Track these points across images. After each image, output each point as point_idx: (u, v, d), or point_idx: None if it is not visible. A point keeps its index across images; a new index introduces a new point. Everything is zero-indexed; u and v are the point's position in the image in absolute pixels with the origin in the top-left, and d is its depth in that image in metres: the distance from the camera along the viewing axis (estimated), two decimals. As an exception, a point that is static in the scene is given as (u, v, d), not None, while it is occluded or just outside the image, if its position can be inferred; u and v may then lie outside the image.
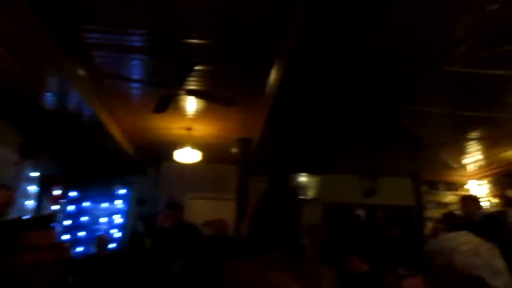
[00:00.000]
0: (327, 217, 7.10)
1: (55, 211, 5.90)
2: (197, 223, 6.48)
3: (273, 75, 3.76)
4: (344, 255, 3.04)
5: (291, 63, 3.18)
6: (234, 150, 5.86)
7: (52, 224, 1.33)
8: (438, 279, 1.28)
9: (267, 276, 1.04)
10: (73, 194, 6.48)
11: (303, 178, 6.76)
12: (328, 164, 6.77)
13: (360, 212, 7.69)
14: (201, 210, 6.99)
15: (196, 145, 5.48)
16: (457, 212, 4.54)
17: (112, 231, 6.34)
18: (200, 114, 4.86)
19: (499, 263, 1.20)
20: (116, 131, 5.24)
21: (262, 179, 6.60)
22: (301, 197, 6.72)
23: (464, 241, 1.25)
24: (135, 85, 4.06)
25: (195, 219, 6.66)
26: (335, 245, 3.29)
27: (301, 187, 6.72)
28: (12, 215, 3.79)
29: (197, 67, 3.49)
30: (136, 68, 3.77)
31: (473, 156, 6.13)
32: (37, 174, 5.64)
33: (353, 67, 3.36)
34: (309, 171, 6.71)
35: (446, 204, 7.33)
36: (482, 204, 5.90)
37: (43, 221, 1.33)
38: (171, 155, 5.51)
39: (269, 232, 1.15)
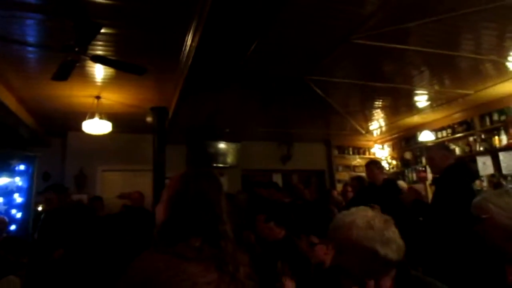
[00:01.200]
0: (246, 184, 7.27)
1: None
2: (112, 196, 6.22)
3: (188, 42, 3.57)
4: (262, 222, 3.14)
5: (206, 30, 3.04)
6: (149, 119, 5.58)
7: None
8: (340, 251, 1.40)
9: (180, 268, 0.99)
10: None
11: (221, 145, 6.75)
12: (245, 132, 6.83)
13: (277, 177, 8.01)
14: (116, 183, 6.65)
15: (107, 114, 5.10)
16: (364, 176, 4.92)
17: (12, 211, 5.72)
18: (110, 82, 4.47)
19: (391, 233, 1.36)
20: (10, 100, 4.64)
21: (179, 147, 6.45)
22: (220, 164, 6.73)
23: (361, 216, 1.39)
24: (30, 49, 3.57)
25: (110, 193, 6.35)
26: (253, 212, 3.38)
27: (220, 155, 6.72)
28: None
29: (103, 31, 3.15)
30: (31, 29, 3.30)
31: (378, 123, 6.67)
32: None
33: (267, 37, 3.34)
34: (228, 139, 6.71)
35: (354, 167, 7.94)
36: (384, 166, 6.51)
37: None
38: (79, 126, 5.06)
39: (188, 218, 1.10)
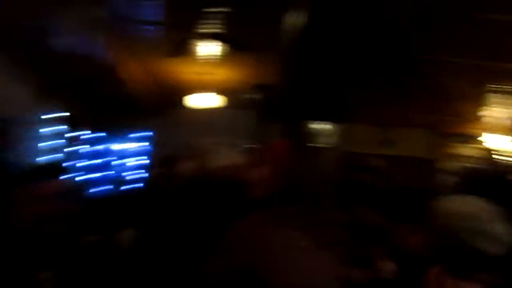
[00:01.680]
0: (343, 166, 7.11)
1: (74, 153, 6.09)
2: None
3: (292, 18, 3.58)
4: (357, 206, 3.08)
5: (313, 5, 3.01)
6: (251, 96, 5.79)
7: (59, 174, 1.34)
8: (435, 238, 1.31)
9: (279, 230, 1.05)
10: (98, 135, 6.65)
11: (320, 126, 6.69)
12: (347, 113, 6.66)
13: (376, 163, 7.68)
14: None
15: (213, 90, 5.43)
16: (475, 167, 4.47)
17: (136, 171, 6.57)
18: (216, 59, 4.74)
19: (497, 228, 1.22)
20: (133, 75, 5.22)
21: (278, 126, 6.54)
22: (318, 145, 6.68)
23: (464, 204, 1.27)
24: (148, 27, 3.96)
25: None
26: (349, 195, 3.33)
27: (319, 135, 6.68)
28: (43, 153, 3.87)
29: (212, 9, 3.35)
30: (149, 10, 3.66)
31: (493, 109, 5.89)
32: (65, 114, 5.77)
33: (379, 10, 3.18)
34: (328, 119, 6.62)
35: (462, 157, 7.21)
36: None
37: (50, 171, 1.35)
38: (187, 100, 5.49)
39: (291, 188, 1.15)
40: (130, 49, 4.55)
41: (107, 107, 6.80)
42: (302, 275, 1.03)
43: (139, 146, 6.84)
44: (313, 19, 3.20)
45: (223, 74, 5.26)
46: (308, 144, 1.26)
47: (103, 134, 6.78)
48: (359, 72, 4.67)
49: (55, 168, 1.35)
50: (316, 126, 6.81)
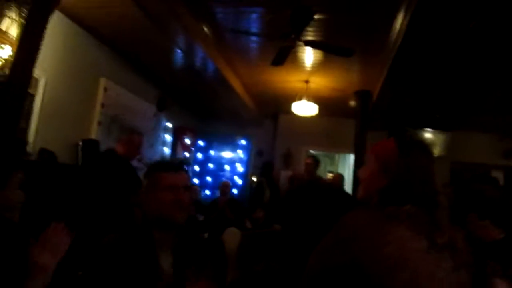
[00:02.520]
0: (455, 178, 6.50)
1: (187, 157, 6.64)
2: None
3: (397, 24, 3.43)
4: (475, 219, 2.78)
5: (418, 10, 2.85)
6: (352, 103, 5.66)
7: (186, 168, 1.50)
8: None
9: (389, 229, 1.01)
10: (200, 143, 7.19)
11: (428, 134, 6.22)
12: (459, 120, 6.08)
13: (497, 175, 6.83)
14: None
15: (313, 98, 5.44)
16: None
17: (234, 177, 6.90)
18: (318, 66, 4.76)
19: None
20: (236, 85, 5.50)
21: (381, 134, 6.29)
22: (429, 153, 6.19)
23: None
24: (254, 38, 4.14)
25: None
26: (464, 208, 3.02)
27: (430, 143, 6.20)
28: (150, 158, 4.37)
29: (315, 17, 3.38)
30: (254, 22, 3.83)
31: None
32: (170, 125, 6.36)
33: (490, 13, 2.86)
34: (436, 127, 6.12)
35: None
36: None
37: (180, 165, 1.51)
38: (288, 108, 5.60)
39: (407, 188, 1.11)
40: (237, 60, 4.82)
41: (213, 118, 7.32)
42: (413, 276, 0.97)
43: (239, 154, 7.19)
44: (416, 22, 3.02)
45: (324, 82, 5.24)
46: (416, 149, 1.19)
47: (210, 143, 7.29)
48: (474, 75, 4.24)
49: (183, 164, 1.50)
50: (425, 133, 6.33)
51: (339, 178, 5.59)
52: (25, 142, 1.25)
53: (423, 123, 6.09)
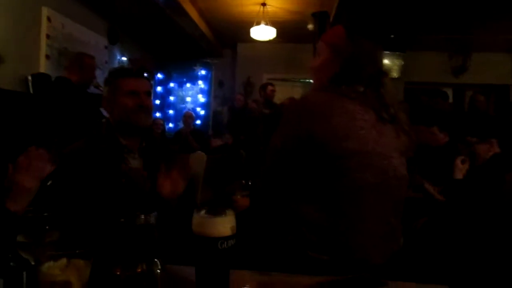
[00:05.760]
0: (408, 97, 6.82)
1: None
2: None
3: None
4: (424, 128, 3.00)
5: None
6: (310, 26, 5.61)
7: (146, 75, 1.51)
8: None
9: (342, 104, 1.10)
10: (159, 76, 6.99)
11: (385, 59, 6.37)
12: (411, 40, 6.23)
13: (448, 92, 7.22)
14: (278, 92, 7.12)
15: (271, 22, 5.34)
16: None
17: (196, 109, 6.87)
18: None
19: None
20: (191, 11, 5.26)
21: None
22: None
23: None
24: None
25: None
26: (416, 118, 3.24)
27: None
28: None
29: None
30: None
31: None
32: (124, 58, 6.08)
33: None
34: (390, 48, 6.26)
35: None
36: None
37: (140, 70, 1.52)
38: (246, 37, 5.48)
39: (355, 70, 1.18)
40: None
41: (170, 50, 7.06)
42: (361, 143, 1.09)
43: (200, 85, 7.10)
44: None
45: (281, 3, 5.11)
46: (363, 34, 1.27)
47: (169, 75, 7.11)
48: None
49: (142, 70, 1.52)
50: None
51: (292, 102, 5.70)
52: None
53: (379, 44, 6.19)
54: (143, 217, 0.71)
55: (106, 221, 1.04)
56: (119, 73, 1.48)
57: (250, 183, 1.69)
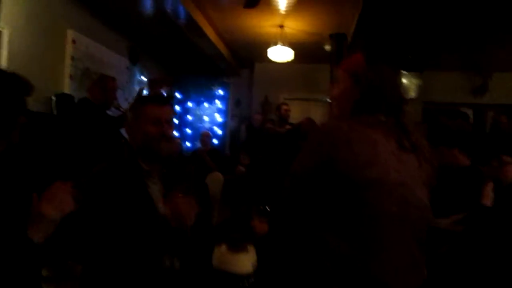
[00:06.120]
0: (427, 117, 6.73)
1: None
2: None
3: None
4: (444, 150, 2.94)
5: None
6: (327, 47, 5.65)
7: (170, 102, 1.54)
8: None
9: (363, 132, 1.10)
10: (177, 95, 7.11)
11: (403, 78, 6.33)
12: (430, 60, 6.19)
13: (468, 113, 7.10)
14: (295, 111, 7.13)
15: (289, 43, 5.40)
16: None
17: (214, 128, 6.94)
18: (292, 9, 4.68)
19: None
20: (210, 32, 5.37)
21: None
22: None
23: None
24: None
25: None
26: (435, 139, 3.17)
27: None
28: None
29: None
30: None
31: None
32: (145, 78, 6.22)
33: None
34: (409, 68, 6.22)
35: None
36: None
37: (163, 98, 1.55)
38: (264, 56, 5.54)
39: (376, 98, 1.17)
40: (208, 3, 4.67)
41: (188, 69, 7.20)
42: (382, 172, 1.07)
43: (217, 105, 7.18)
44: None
45: (299, 25, 5.18)
46: (383, 61, 1.26)
47: (187, 94, 7.22)
48: (446, 11, 4.27)
49: (166, 98, 1.55)
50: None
51: (309, 121, 5.68)
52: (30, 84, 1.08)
53: (397, 64, 6.17)
54: (169, 261, 0.71)
55: (130, 260, 1.03)
56: (144, 100, 1.52)
57: (268, 208, 1.68)
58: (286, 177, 1.18)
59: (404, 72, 6.26)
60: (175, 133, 6.78)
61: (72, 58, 4.30)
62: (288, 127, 4.57)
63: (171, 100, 1.54)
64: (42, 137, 2.75)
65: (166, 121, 1.46)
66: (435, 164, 1.18)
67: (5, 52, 3.38)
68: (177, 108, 7.10)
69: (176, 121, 7.03)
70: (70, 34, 4.28)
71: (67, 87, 4.23)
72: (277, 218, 1.28)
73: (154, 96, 1.65)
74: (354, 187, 1.06)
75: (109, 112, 3.02)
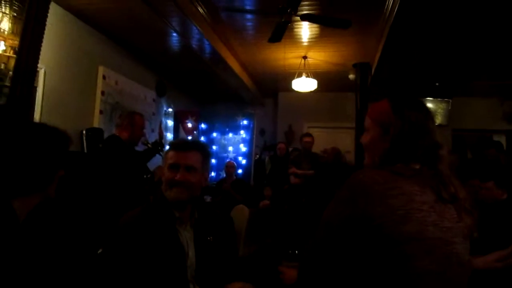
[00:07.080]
0: (457, 145, 6.54)
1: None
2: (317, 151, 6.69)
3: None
4: (477, 183, 2.81)
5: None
6: (351, 76, 5.63)
7: (194, 147, 1.49)
8: None
9: (398, 184, 1.05)
10: (203, 126, 7.22)
11: (429, 103, 6.21)
12: (458, 87, 6.06)
13: (500, 139, 6.86)
14: (320, 139, 7.09)
15: (312, 73, 5.43)
16: None
17: (238, 158, 6.95)
18: (315, 41, 4.73)
19: None
20: (234, 65, 5.48)
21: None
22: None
23: None
24: (249, 16, 4.11)
25: (315, 148, 6.84)
26: (469, 171, 3.05)
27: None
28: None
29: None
30: (249, -1, 3.81)
31: None
32: (171, 110, 6.36)
33: None
34: (437, 95, 6.11)
35: None
36: None
37: (185, 144, 1.53)
38: (287, 86, 5.59)
39: (408, 145, 1.12)
40: (233, 39, 4.78)
41: (213, 101, 7.32)
42: (420, 227, 1.02)
43: (242, 135, 7.22)
44: None
45: (322, 56, 5.22)
46: (410, 106, 1.20)
47: (212, 125, 7.31)
48: (474, 38, 4.21)
49: (187, 144, 1.54)
50: (426, 103, 6.34)
51: (333, 151, 5.60)
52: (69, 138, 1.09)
53: (423, 92, 6.07)
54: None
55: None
56: (169, 145, 1.53)
57: (296, 252, 1.63)
58: (319, 226, 1.14)
59: (431, 98, 6.14)
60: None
61: (102, 93, 4.46)
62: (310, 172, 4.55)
63: (197, 146, 1.48)
64: (74, 186, 2.82)
65: (183, 166, 1.42)
66: (476, 215, 1.11)
67: (40, 90, 3.54)
68: (202, 138, 7.19)
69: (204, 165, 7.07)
70: (101, 70, 4.46)
71: (96, 121, 4.36)
72: (306, 266, 1.23)
73: (177, 141, 1.63)
74: (390, 243, 1.01)
75: (137, 148, 3.07)
